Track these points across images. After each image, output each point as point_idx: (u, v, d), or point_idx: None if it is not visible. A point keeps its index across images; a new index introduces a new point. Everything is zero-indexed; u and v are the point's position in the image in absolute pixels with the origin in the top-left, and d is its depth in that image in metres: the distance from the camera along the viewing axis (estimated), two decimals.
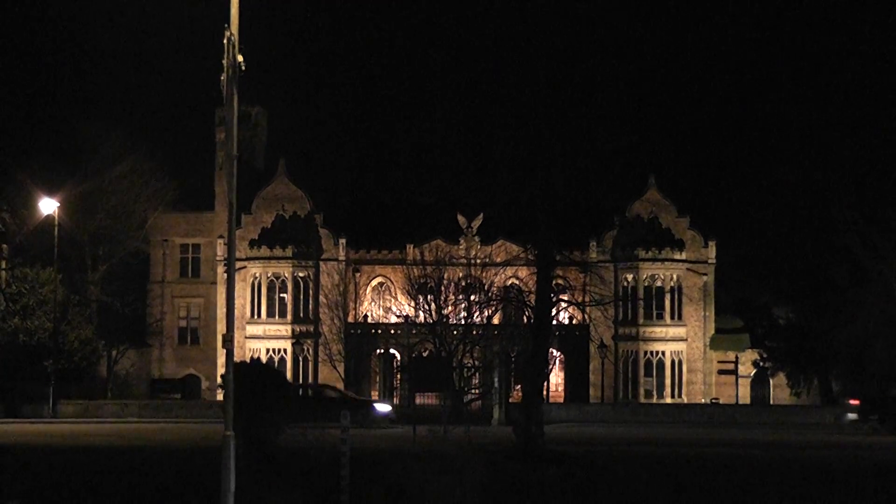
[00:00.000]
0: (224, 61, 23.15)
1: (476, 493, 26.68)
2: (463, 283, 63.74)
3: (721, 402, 72.12)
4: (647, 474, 36.68)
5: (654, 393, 72.65)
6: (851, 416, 58.31)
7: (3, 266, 58.95)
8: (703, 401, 72.49)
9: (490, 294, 64.35)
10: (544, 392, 57.42)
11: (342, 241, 74.79)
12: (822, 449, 46.60)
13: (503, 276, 69.43)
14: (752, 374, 74.66)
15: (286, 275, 73.06)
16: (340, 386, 64.89)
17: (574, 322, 72.18)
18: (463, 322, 61.14)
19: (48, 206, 64.45)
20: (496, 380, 61.60)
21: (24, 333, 62.02)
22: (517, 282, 69.37)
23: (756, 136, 64.60)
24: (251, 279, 72.35)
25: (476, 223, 73.60)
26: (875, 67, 41.12)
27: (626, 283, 73.49)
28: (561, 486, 33.15)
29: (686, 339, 73.63)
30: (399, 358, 69.85)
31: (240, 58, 23.08)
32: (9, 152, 49.01)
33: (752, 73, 67.23)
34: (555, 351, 69.82)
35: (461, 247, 72.11)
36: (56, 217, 65.65)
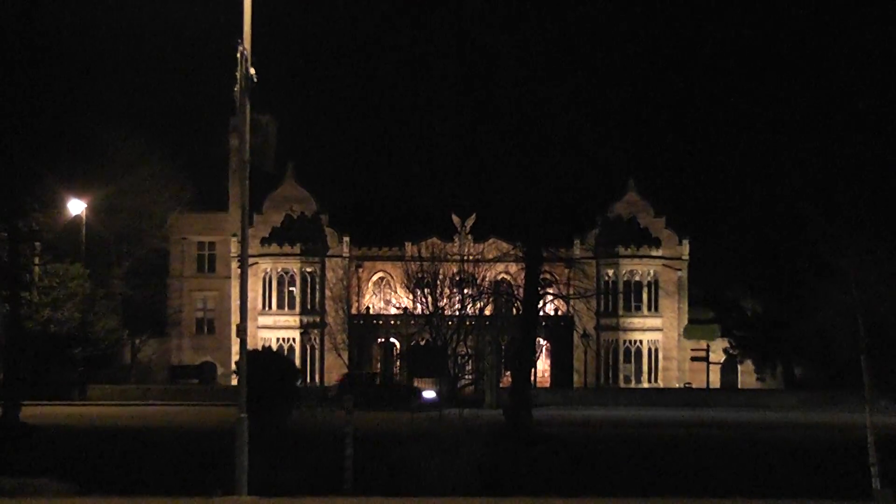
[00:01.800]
0: (237, 74, 23.10)
1: (470, 471, 26.61)
2: (457, 278, 63.66)
3: (693, 386, 72.27)
4: (627, 453, 36.65)
5: (633, 378, 72.69)
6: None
7: (36, 262, 58.69)
8: (677, 385, 72.60)
9: (482, 288, 64.30)
10: (532, 378, 57.38)
11: (346, 238, 74.77)
12: (782, 429, 46.68)
13: (494, 271, 69.42)
14: (721, 361, 74.67)
15: (294, 270, 73.00)
16: (344, 372, 64.93)
17: (559, 313, 72.08)
18: (457, 313, 61.07)
19: (76, 207, 64.52)
20: (488, 367, 61.59)
21: (55, 324, 61.98)
22: (507, 276, 69.42)
23: (729, 142, 64.46)
24: (262, 274, 72.26)
25: (469, 222, 73.59)
26: (840, 77, 41.03)
27: (607, 278, 73.48)
28: (548, 465, 33.09)
29: (662, 329, 73.68)
30: (398, 346, 69.83)
31: (251, 71, 23.03)
32: (39, 157, 48.76)
33: (726, 83, 67.09)
34: (541, 340, 69.95)
35: (455, 244, 72.08)
36: (83, 217, 65.69)
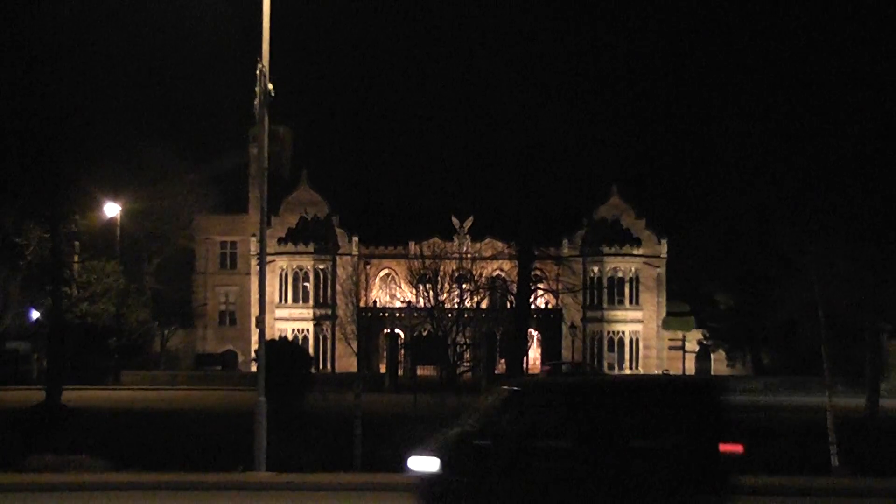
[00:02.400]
0: (257, 89, 23.19)
1: None
2: (456, 274, 63.67)
3: (671, 373, 72.25)
4: None
5: (616, 365, 72.70)
6: None
7: (75, 260, 58.81)
8: (656, 372, 72.54)
9: (479, 283, 64.38)
10: (524, 365, 57.49)
11: (355, 238, 74.82)
12: (750, 411, 46.81)
13: (490, 268, 69.54)
14: (696, 350, 74.67)
15: (308, 267, 73.04)
16: (353, 360, 64.98)
17: (549, 307, 72.18)
18: (456, 307, 61.09)
19: (111, 209, 64.64)
20: (484, 355, 61.66)
21: (92, 316, 62.03)
22: (502, 273, 69.50)
23: (704, 152, 64.46)
24: (279, 271, 72.31)
25: (467, 224, 73.60)
26: (803, 91, 40.90)
27: (592, 274, 73.51)
28: None
29: (642, 321, 73.71)
30: (402, 336, 69.76)
31: (269, 87, 23.12)
32: (78, 164, 48.82)
33: (700, 101, 67.07)
34: (533, 331, 70.09)
35: (455, 243, 72.06)
36: (118, 219, 65.79)
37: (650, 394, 14.96)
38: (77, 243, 59.10)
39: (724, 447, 13.68)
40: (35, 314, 67.71)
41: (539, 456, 13.90)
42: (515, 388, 15.63)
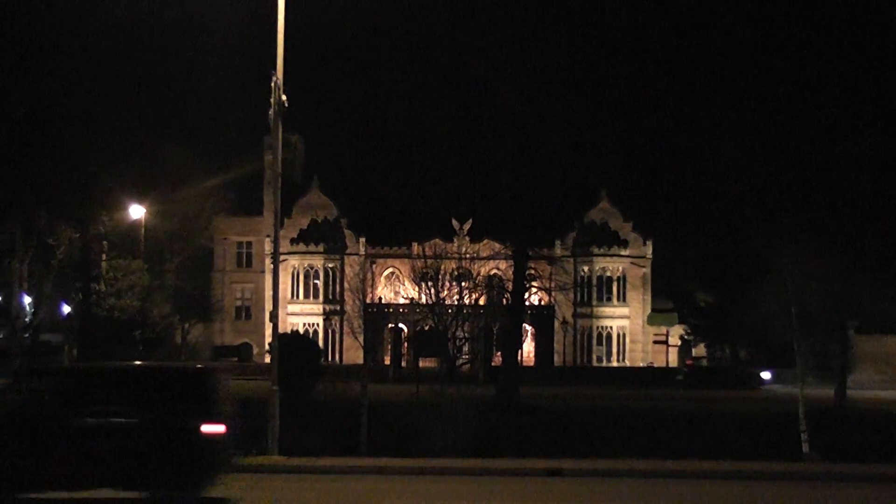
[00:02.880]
0: (271, 100, 23.29)
1: (466, 436, 26.71)
2: (456, 273, 63.60)
3: (655, 365, 72.34)
4: (599, 420, 36.76)
5: (604, 358, 72.80)
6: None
7: (103, 259, 58.92)
8: (641, 364, 72.69)
9: (477, 281, 64.27)
10: (519, 358, 57.52)
11: (362, 239, 74.91)
12: (728, 401, 46.83)
13: (487, 267, 69.45)
14: (679, 344, 74.78)
15: (318, 266, 73.12)
16: (360, 353, 64.92)
17: (542, 303, 72.17)
18: (456, 303, 60.99)
19: (136, 211, 64.57)
20: (481, 348, 61.67)
21: (118, 311, 62.14)
22: (498, 272, 69.47)
23: (686, 159, 64.49)
24: (291, 269, 72.40)
25: (467, 226, 73.69)
26: (779, 100, 40.96)
27: (583, 273, 73.59)
28: (532, 431, 33.20)
29: (629, 317, 73.77)
30: (405, 331, 69.92)
31: (283, 97, 23.20)
32: (106, 170, 49.01)
33: (682, 112, 67.20)
34: (527, 326, 70.09)
35: (455, 244, 72.12)
36: (142, 220, 65.79)
37: (145, 378, 15.97)
38: (105, 243, 59.24)
39: (207, 428, 14.87)
40: (66, 308, 67.89)
41: (42, 430, 14.85)
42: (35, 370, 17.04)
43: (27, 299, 66.74)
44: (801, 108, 38.08)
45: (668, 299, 75.29)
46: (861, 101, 41.74)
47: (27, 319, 66.81)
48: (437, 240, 71.01)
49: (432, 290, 61.23)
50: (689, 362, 64.38)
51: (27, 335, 67.68)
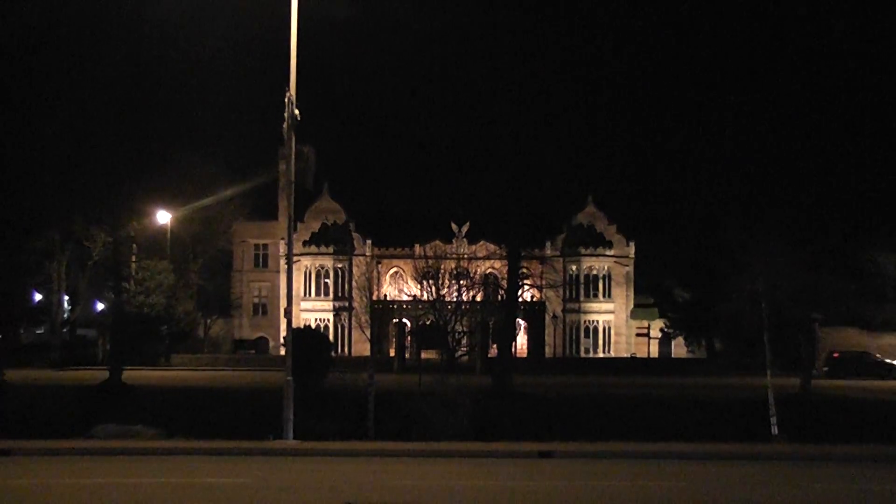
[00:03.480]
0: (285, 114, 23.35)
1: (465, 421, 26.78)
2: (455, 272, 63.66)
3: (638, 356, 72.41)
4: (586, 405, 36.82)
5: (591, 350, 72.83)
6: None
7: (133, 260, 59.06)
8: (625, 355, 72.75)
9: (474, 279, 64.35)
10: (513, 350, 57.54)
11: (368, 241, 74.94)
12: (704, 388, 46.89)
13: (484, 266, 69.60)
14: (659, 337, 74.85)
15: (329, 266, 73.16)
16: (367, 345, 64.94)
17: (534, 300, 72.23)
18: (455, 300, 61.12)
19: (163, 217, 64.81)
20: (478, 341, 61.66)
21: (147, 307, 62.32)
22: (494, 271, 69.49)
23: (666, 167, 64.66)
24: (304, 269, 72.44)
25: (465, 228, 73.71)
26: (750, 113, 41.08)
27: (571, 272, 73.64)
28: (525, 416, 33.25)
29: (614, 312, 73.81)
30: (409, 325, 69.94)
31: (296, 112, 23.27)
32: (135, 179, 49.14)
33: (664, 126, 67.36)
34: (520, 320, 70.08)
35: (454, 245, 72.17)
36: (168, 225, 65.95)
37: None
38: (134, 246, 59.38)
39: None
40: (100, 306, 68.10)
41: None
42: None
43: (65, 297, 67.03)
44: (771, 123, 38.24)
45: (649, 295, 75.34)
46: (824, 117, 41.91)
47: (65, 316, 67.17)
48: (437, 241, 71.12)
49: (433, 288, 61.33)
50: (835, 354, 62.05)
51: (65, 330, 68.02)
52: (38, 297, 68.34)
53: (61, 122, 44.18)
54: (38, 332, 75.32)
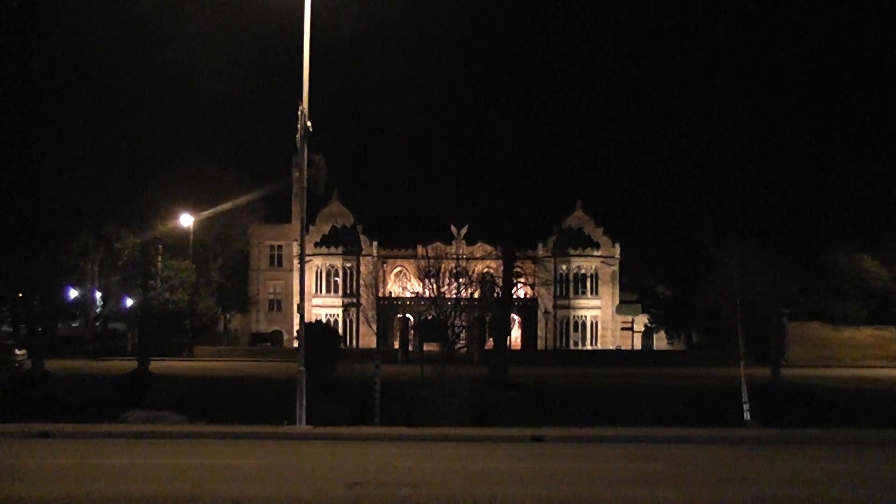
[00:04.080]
0: (298, 126, 23.41)
1: (464, 408, 26.88)
2: (454, 271, 63.82)
3: (622, 348, 72.41)
4: (575, 393, 36.92)
5: (580, 343, 72.83)
6: None
7: (159, 260, 59.18)
8: (611, 348, 72.75)
9: (472, 278, 64.48)
10: (508, 342, 57.65)
11: (375, 242, 74.97)
12: (683, 378, 46.94)
13: (481, 266, 69.65)
14: (642, 331, 74.88)
15: (338, 265, 73.17)
16: (373, 338, 64.92)
17: (527, 297, 72.30)
18: (454, 296, 61.28)
19: (186, 220, 64.81)
20: (476, 335, 61.76)
21: (172, 303, 62.34)
22: (490, 270, 69.60)
23: (648, 175, 64.55)
24: (315, 268, 72.46)
25: (463, 231, 73.73)
26: (726, 124, 41.10)
27: (561, 271, 73.65)
28: (519, 403, 33.34)
29: (600, 308, 73.78)
30: (412, 320, 70.01)
31: (308, 124, 23.33)
32: (162, 186, 49.34)
33: (646, 136, 67.08)
34: (514, 315, 70.24)
35: (453, 247, 72.21)
36: (191, 227, 65.95)
37: None
38: (160, 247, 59.47)
39: None
40: (129, 302, 68.12)
41: None
42: None
43: (98, 294, 67.14)
44: (744, 136, 38.33)
45: (633, 292, 75.36)
46: (790, 130, 42.01)
47: (98, 311, 67.30)
48: (438, 243, 71.18)
49: (434, 286, 61.51)
50: None
51: (98, 324, 68.14)
52: (73, 293, 68.49)
53: (98, 138, 44.79)
54: (74, 325, 75.51)
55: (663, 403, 32.52)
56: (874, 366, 57.88)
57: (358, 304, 71.74)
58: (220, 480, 13.24)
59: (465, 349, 58.78)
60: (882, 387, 40.28)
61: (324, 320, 64.54)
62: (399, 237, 74.25)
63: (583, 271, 73.63)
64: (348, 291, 72.90)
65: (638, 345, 74.13)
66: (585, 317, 73.28)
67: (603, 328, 74.02)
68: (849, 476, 14.06)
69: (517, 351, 66.98)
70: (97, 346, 65.57)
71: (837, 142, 47.43)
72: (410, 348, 65.67)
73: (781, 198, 38.78)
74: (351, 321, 72.55)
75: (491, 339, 62.09)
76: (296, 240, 70.79)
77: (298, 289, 23.66)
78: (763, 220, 35.76)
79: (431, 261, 64.29)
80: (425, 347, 62.64)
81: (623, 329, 74.32)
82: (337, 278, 73.06)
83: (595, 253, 73.92)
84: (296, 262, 71.71)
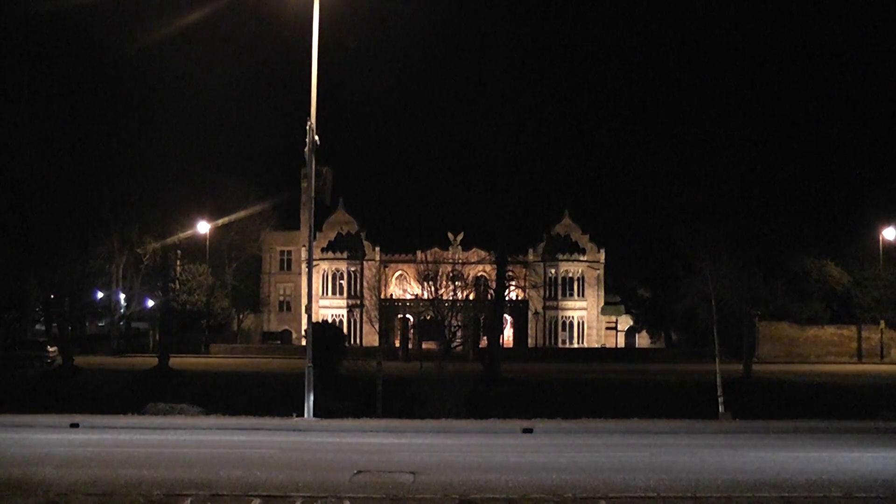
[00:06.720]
0: (307, 139, 23.52)
1: (460, 402, 26.91)
2: (451, 274, 63.85)
3: (607, 346, 72.47)
4: (563, 388, 36.95)
5: (567, 341, 72.92)
6: None
7: (178, 264, 59.33)
8: (596, 346, 72.82)
9: (467, 281, 64.51)
10: (500, 341, 57.61)
11: (377, 248, 75.05)
12: (663, 373, 47.00)
13: (475, 270, 69.75)
14: (625, 330, 74.96)
15: (343, 269, 73.22)
16: (375, 337, 65.00)
17: (519, 298, 72.39)
18: (451, 298, 61.28)
19: (203, 227, 64.89)
20: (471, 334, 61.75)
21: (189, 304, 62.47)
22: (484, 273, 69.68)
23: (630, 186, 64.61)
24: (322, 272, 72.51)
25: (459, 237, 73.86)
26: (703, 136, 41.20)
27: (550, 275, 73.78)
28: (511, 398, 33.36)
29: (586, 309, 73.91)
30: (412, 320, 70.03)
31: (316, 137, 23.42)
32: (180, 195, 49.52)
33: (626, 150, 67.16)
34: (507, 316, 70.29)
35: (450, 252, 72.32)
36: (208, 234, 65.99)
37: None
38: (179, 251, 59.56)
39: None
40: (150, 302, 68.18)
41: None
42: None
43: (122, 295, 67.17)
44: (718, 145, 38.43)
45: (616, 294, 75.46)
46: (761, 141, 42.15)
47: (122, 311, 67.31)
48: (436, 248, 71.25)
49: (433, 288, 61.50)
50: None
51: (122, 323, 68.16)
52: (100, 295, 68.52)
53: (123, 155, 45.36)
54: (101, 324, 75.53)
55: (644, 397, 32.58)
56: (836, 362, 58.18)
57: (361, 306, 71.77)
58: (234, 467, 13.29)
59: (461, 347, 58.76)
60: (843, 381, 40.39)
61: (330, 320, 64.58)
62: (400, 243, 74.34)
63: (570, 275, 73.75)
64: (353, 293, 72.94)
65: (621, 343, 74.19)
66: (573, 317, 73.37)
67: (589, 328, 74.13)
68: (812, 462, 14.15)
69: (509, 349, 66.92)
70: (121, 344, 65.59)
71: (805, 157, 47.85)
72: (410, 346, 65.66)
73: (752, 207, 38.96)
74: (355, 321, 72.58)
75: (485, 337, 62.14)
76: (304, 245, 70.81)
77: (306, 291, 23.73)
78: (735, 228, 35.87)
79: (430, 265, 64.28)
80: (424, 346, 62.66)
81: (608, 328, 74.40)
82: (342, 281, 73.10)
83: (581, 258, 74.05)
84: (304, 266, 71.74)
